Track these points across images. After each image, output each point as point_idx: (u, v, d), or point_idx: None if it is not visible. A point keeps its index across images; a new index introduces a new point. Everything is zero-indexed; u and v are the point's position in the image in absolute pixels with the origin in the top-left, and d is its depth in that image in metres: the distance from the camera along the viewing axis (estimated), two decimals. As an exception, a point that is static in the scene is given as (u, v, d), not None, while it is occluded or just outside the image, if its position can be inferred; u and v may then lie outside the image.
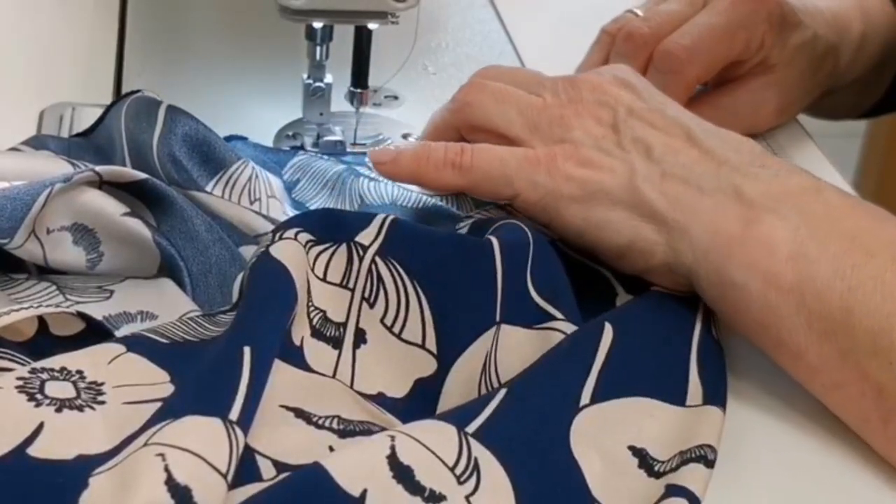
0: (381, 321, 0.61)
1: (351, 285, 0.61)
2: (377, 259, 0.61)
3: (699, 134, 0.65)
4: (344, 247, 0.62)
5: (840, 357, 0.58)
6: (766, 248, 0.60)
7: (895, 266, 0.58)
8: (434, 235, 0.63)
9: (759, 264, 0.59)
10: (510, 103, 0.68)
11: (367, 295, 0.61)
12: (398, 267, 0.61)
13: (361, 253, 0.61)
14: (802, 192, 0.61)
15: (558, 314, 0.61)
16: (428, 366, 0.60)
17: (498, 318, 0.60)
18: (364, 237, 0.62)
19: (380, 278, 0.61)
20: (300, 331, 0.59)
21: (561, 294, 0.62)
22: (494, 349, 0.59)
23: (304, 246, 0.60)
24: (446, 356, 0.60)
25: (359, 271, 0.61)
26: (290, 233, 0.60)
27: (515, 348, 0.59)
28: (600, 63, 0.81)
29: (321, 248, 0.61)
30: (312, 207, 0.73)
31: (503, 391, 0.56)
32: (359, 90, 0.80)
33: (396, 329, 0.61)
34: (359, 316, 0.61)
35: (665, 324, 0.63)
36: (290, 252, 0.59)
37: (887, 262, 0.58)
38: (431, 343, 0.60)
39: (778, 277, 0.59)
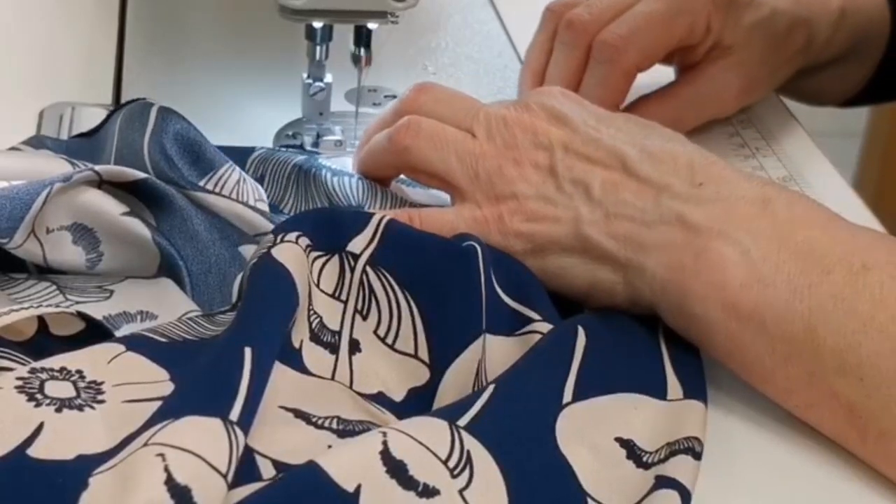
0: (375, 332, 0.61)
1: (343, 297, 0.61)
2: (368, 269, 0.62)
3: (635, 160, 0.64)
4: (336, 258, 0.62)
5: (808, 378, 0.58)
6: (719, 277, 0.59)
7: (853, 280, 0.57)
8: (423, 242, 0.63)
9: (714, 295, 0.59)
10: (448, 149, 0.68)
11: (359, 307, 0.61)
12: (389, 278, 0.62)
13: (353, 263, 0.61)
14: (747, 210, 0.60)
15: (534, 315, 0.61)
16: (421, 375, 0.60)
17: (484, 327, 0.60)
18: (357, 244, 0.62)
19: (371, 290, 0.61)
20: (300, 334, 0.59)
21: (532, 293, 0.62)
22: (485, 358, 0.59)
23: (305, 250, 0.60)
24: (438, 365, 0.60)
25: (350, 283, 0.61)
26: (292, 236, 0.60)
27: (502, 357, 0.60)
28: (546, 43, 0.82)
29: (316, 254, 0.61)
30: (285, 208, 0.73)
31: (491, 387, 0.56)
32: (361, 50, 0.79)
33: (389, 340, 0.61)
34: (352, 327, 0.61)
35: (636, 325, 0.63)
36: (292, 255, 0.59)
37: (844, 277, 0.57)
38: (424, 353, 0.60)
39: (735, 306, 0.59)
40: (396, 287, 0.61)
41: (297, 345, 0.59)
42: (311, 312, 0.60)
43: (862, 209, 0.78)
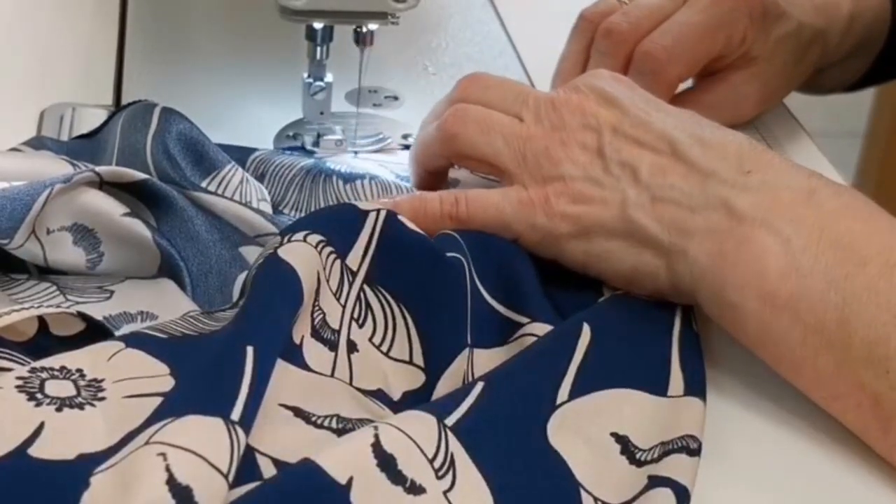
0: (370, 340, 0.61)
1: (342, 302, 0.61)
2: (365, 287, 0.62)
3: (684, 144, 0.64)
4: (339, 262, 0.62)
5: (836, 368, 0.58)
6: (758, 266, 0.59)
7: (889, 273, 0.57)
8: (415, 251, 0.63)
9: (751, 284, 0.59)
10: (495, 132, 0.68)
11: (356, 316, 0.61)
12: (385, 293, 0.62)
13: (351, 279, 0.62)
14: (793, 199, 0.61)
15: (524, 319, 0.61)
16: (417, 379, 0.60)
17: (469, 341, 0.60)
18: (353, 258, 0.62)
19: (368, 304, 0.62)
20: (301, 329, 0.59)
21: (526, 294, 0.63)
22: (471, 371, 0.60)
23: (316, 247, 0.60)
24: (433, 371, 0.60)
25: (348, 294, 0.61)
26: (299, 235, 0.60)
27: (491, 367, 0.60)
28: (581, 53, 0.81)
29: (329, 250, 0.61)
30: (285, 209, 0.73)
31: (480, 384, 0.57)
32: (362, 27, 0.78)
33: (384, 348, 0.61)
34: (349, 330, 0.61)
35: (644, 319, 0.63)
36: (300, 254, 0.59)
37: (881, 270, 0.58)
38: (419, 359, 0.61)
39: (772, 295, 0.59)
40: (392, 301, 0.62)
41: (298, 341, 0.59)
42: (316, 308, 0.60)
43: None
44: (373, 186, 0.72)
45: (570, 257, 0.65)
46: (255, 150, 0.76)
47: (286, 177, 0.74)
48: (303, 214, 0.72)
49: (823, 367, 0.58)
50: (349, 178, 0.73)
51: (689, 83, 0.84)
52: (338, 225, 0.62)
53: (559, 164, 0.66)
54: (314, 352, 0.59)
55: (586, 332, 0.60)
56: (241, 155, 0.75)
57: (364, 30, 0.77)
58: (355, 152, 0.80)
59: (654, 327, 0.63)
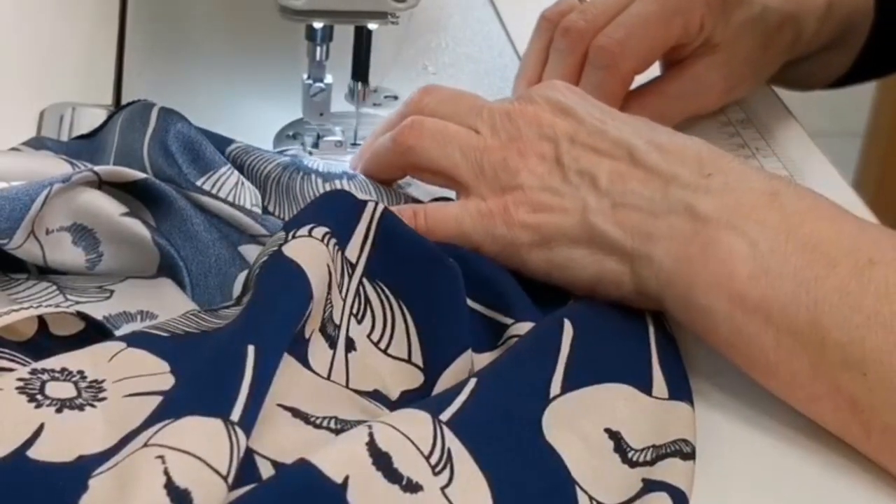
0: (368, 337, 0.61)
1: (343, 294, 0.61)
2: (364, 281, 0.62)
3: (642, 150, 0.64)
4: (340, 255, 0.62)
5: (812, 371, 0.57)
6: (727, 268, 0.59)
7: (859, 274, 0.57)
8: (414, 249, 0.63)
9: (721, 286, 0.59)
10: (452, 145, 0.68)
11: (355, 311, 0.61)
12: (384, 288, 0.62)
13: (350, 272, 0.62)
14: (756, 201, 0.60)
15: (508, 320, 0.62)
16: (415, 378, 0.60)
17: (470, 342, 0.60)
18: (352, 249, 0.62)
19: (367, 299, 0.62)
20: (313, 323, 0.59)
21: (506, 295, 0.63)
22: (474, 370, 0.59)
23: (322, 239, 0.60)
24: (432, 371, 0.60)
25: (348, 288, 0.61)
26: (304, 230, 0.60)
27: None
28: (542, 52, 0.81)
29: (335, 241, 0.61)
30: (268, 206, 0.72)
31: (473, 381, 0.57)
32: (358, 85, 0.79)
33: (382, 345, 0.61)
34: (348, 326, 0.61)
35: (620, 318, 0.63)
36: (306, 250, 0.59)
37: (850, 271, 0.57)
38: (417, 358, 0.61)
39: (742, 297, 0.58)
40: (391, 297, 0.62)
41: (308, 335, 0.59)
42: (328, 302, 0.60)
43: (862, 209, 0.78)
44: (351, 186, 0.72)
45: (532, 267, 0.65)
46: (233, 140, 0.75)
47: (263, 170, 0.73)
48: (285, 214, 0.71)
49: (799, 369, 0.58)
50: (328, 178, 0.73)
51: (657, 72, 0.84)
52: (337, 214, 0.62)
53: (517, 175, 0.66)
54: (317, 347, 0.59)
55: (568, 327, 0.60)
56: (220, 144, 0.74)
57: (365, 31, 0.78)
58: (310, 152, 0.79)
59: (631, 326, 0.63)
